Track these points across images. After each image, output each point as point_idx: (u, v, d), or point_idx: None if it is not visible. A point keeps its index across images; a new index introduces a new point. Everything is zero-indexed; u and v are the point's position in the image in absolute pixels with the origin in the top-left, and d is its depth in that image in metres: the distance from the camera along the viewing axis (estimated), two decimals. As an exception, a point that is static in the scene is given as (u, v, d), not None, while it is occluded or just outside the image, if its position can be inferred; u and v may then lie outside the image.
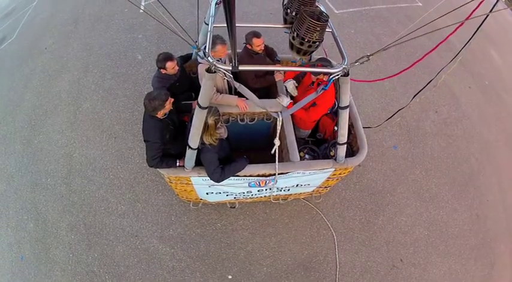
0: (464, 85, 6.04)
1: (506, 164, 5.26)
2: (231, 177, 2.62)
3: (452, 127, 5.31)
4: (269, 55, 3.29)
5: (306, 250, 3.83)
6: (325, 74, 2.62)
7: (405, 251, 4.03)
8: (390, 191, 4.42)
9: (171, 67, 2.84)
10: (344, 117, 2.36)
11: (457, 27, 1.68)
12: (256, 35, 2.91)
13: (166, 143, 2.58)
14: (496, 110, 5.92)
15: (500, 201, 4.82)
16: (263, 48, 2.99)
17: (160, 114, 2.46)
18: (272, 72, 3.24)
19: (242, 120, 3.12)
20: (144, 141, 2.54)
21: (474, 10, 1.69)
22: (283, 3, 2.26)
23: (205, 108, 2.04)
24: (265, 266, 3.69)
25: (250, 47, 2.96)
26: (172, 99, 2.51)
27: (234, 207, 3.91)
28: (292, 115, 3.00)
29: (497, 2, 1.68)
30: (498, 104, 6.08)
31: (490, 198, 4.76)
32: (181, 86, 3.06)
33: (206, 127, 2.28)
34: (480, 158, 5.08)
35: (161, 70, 2.88)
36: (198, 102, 2.01)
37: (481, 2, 1.72)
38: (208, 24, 2.29)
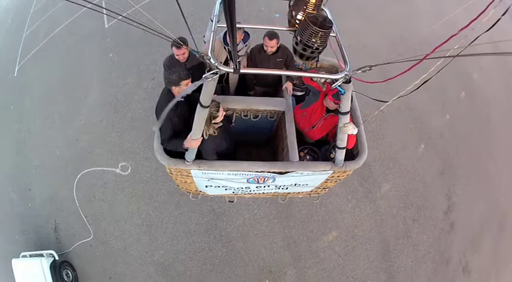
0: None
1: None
2: (230, 172, 2.69)
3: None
4: (286, 62, 3.19)
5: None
6: (327, 79, 2.64)
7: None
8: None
9: (175, 53, 2.87)
10: (343, 122, 2.38)
11: (453, 35, 1.68)
12: (269, 36, 2.91)
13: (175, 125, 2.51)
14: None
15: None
16: (273, 50, 3.02)
17: (175, 91, 2.41)
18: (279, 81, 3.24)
19: (246, 116, 3.12)
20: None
21: (472, 21, 1.67)
22: (289, 4, 2.24)
23: (207, 107, 2.09)
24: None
25: (265, 47, 3.01)
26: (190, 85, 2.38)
27: (233, 201, 3.96)
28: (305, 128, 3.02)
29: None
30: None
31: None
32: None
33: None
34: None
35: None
36: (200, 100, 2.04)
37: (480, 13, 1.68)
38: (213, 21, 2.30)
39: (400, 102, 6.84)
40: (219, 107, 2.44)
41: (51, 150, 6.24)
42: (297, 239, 5.30)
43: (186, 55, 2.91)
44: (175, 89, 2.41)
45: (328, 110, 2.97)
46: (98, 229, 5.42)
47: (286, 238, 5.27)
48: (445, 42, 1.60)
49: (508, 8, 1.92)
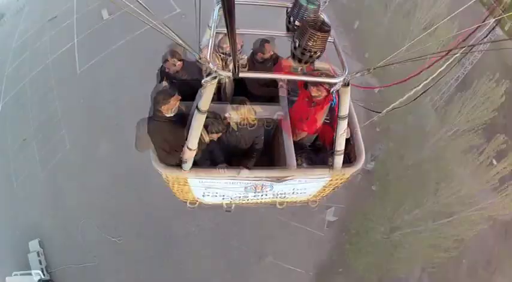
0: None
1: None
2: (227, 181, 2.69)
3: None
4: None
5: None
6: (325, 83, 2.65)
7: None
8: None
9: (169, 64, 2.83)
10: (342, 127, 2.36)
11: (451, 46, 1.73)
12: (267, 41, 2.95)
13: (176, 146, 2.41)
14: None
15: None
16: (271, 54, 3.02)
17: (164, 110, 2.32)
18: (276, 85, 3.22)
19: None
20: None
21: (470, 34, 1.70)
22: (287, 11, 2.17)
23: (205, 112, 2.04)
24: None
25: (261, 55, 2.97)
26: (179, 97, 2.36)
27: (230, 210, 3.85)
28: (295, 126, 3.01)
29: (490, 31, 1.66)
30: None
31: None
32: (179, 86, 2.81)
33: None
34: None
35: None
36: (197, 105, 2.01)
37: (477, 27, 1.71)
38: (211, 28, 2.25)
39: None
40: (225, 127, 2.52)
41: (34, 182, 7.21)
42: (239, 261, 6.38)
43: (177, 68, 2.88)
44: (164, 107, 2.32)
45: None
46: (73, 255, 6.56)
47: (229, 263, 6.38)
48: (464, 38, 1.68)
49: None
